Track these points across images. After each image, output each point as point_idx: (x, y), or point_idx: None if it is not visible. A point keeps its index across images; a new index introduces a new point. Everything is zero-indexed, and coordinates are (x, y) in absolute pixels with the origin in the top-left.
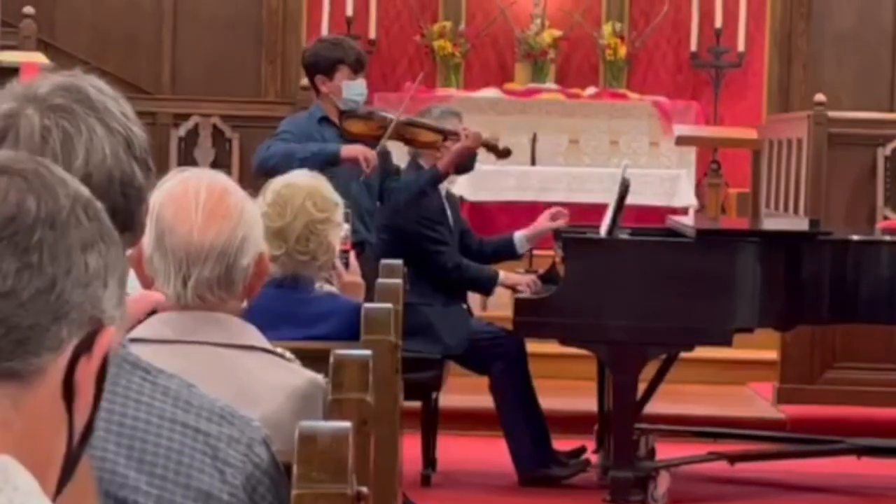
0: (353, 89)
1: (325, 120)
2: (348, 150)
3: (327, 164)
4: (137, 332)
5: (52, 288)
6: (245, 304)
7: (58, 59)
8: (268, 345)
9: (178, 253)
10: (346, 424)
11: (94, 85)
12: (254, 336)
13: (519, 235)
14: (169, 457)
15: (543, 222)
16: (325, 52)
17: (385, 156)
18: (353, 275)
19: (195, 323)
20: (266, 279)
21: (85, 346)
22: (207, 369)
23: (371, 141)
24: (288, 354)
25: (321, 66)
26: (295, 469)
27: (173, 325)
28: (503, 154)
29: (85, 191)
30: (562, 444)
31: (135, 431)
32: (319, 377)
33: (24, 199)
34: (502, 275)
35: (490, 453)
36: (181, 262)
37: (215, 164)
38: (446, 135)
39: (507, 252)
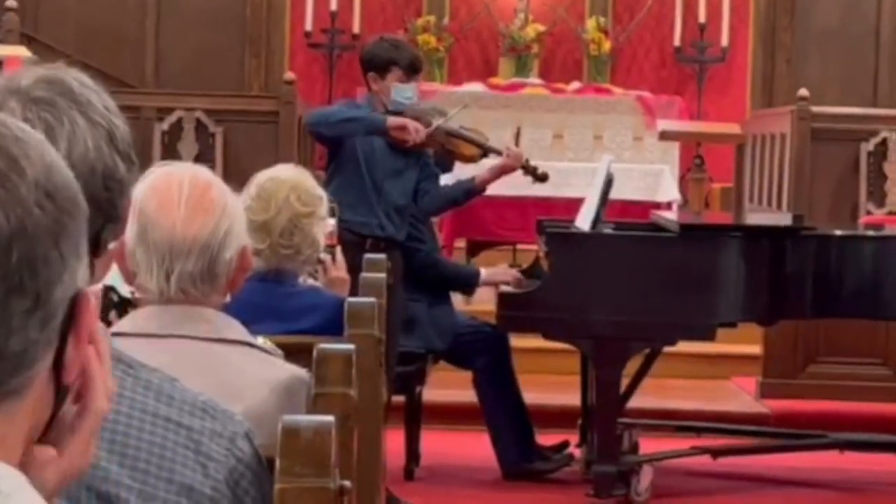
0: (402, 92)
1: None
2: (394, 120)
3: (371, 133)
4: (120, 326)
5: (37, 303)
6: (228, 298)
7: (41, 53)
8: (251, 339)
9: (161, 247)
10: (329, 418)
11: (77, 78)
12: (237, 330)
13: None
14: (151, 451)
15: (500, 275)
16: (381, 51)
17: (426, 158)
18: (340, 269)
19: (178, 317)
20: (249, 273)
21: (68, 323)
22: (191, 363)
23: (414, 145)
24: (269, 344)
25: (375, 64)
26: (278, 463)
27: (156, 319)
28: (541, 178)
29: (37, 160)
30: (545, 438)
31: (116, 426)
32: (303, 371)
33: None
34: (484, 273)
35: (474, 448)
36: (164, 255)
37: (199, 158)
38: (487, 151)
39: (463, 284)
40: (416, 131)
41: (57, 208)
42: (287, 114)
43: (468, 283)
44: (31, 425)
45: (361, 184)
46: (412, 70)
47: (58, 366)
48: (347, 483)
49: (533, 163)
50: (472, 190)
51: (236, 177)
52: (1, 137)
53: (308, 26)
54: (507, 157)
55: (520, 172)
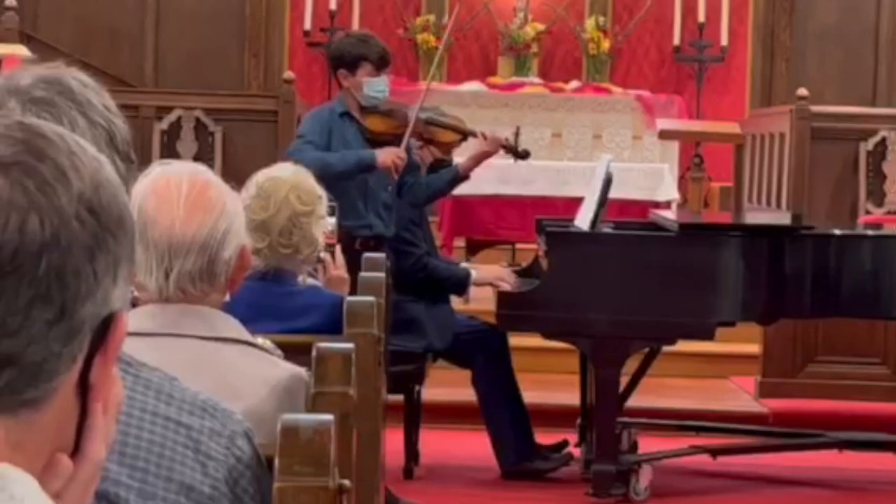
0: (374, 86)
1: (346, 115)
2: (383, 157)
3: (363, 172)
4: None
5: (62, 315)
6: (227, 297)
7: (40, 51)
8: (250, 338)
9: (160, 246)
10: (329, 417)
11: (77, 77)
12: (236, 329)
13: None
14: (151, 450)
15: (492, 276)
16: (350, 47)
17: (407, 152)
18: (340, 269)
19: (177, 316)
20: (248, 272)
21: (98, 343)
22: (190, 362)
23: (391, 139)
24: (269, 344)
25: (345, 60)
26: (277, 462)
27: (155, 318)
28: (522, 156)
29: (86, 175)
30: (545, 437)
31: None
32: (302, 370)
33: (27, 222)
34: (474, 274)
35: (473, 447)
36: (163, 254)
37: (198, 158)
38: (466, 135)
39: (455, 286)
40: (396, 167)
41: (99, 225)
42: (286, 113)
43: (460, 286)
44: (54, 444)
45: (345, 186)
46: (382, 63)
47: (84, 386)
48: (346, 482)
49: (512, 141)
50: (455, 178)
51: (235, 176)
52: (55, 148)
53: (307, 25)
54: (485, 141)
55: (501, 153)
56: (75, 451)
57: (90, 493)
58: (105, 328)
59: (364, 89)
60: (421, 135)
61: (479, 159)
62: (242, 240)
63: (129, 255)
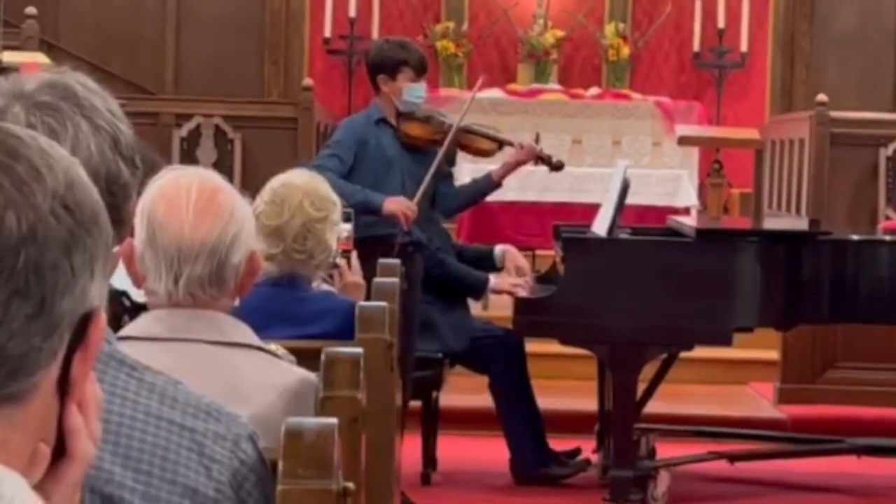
0: (413, 92)
1: (382, 122)
2: (389, 205)
3: (369, 214)
4: (128, 330)
5: (41, 309)
6: (237, 302)
7: (60, 59)
8: (260, 343)
9: (170, 250)
10: (332, 420)
11: (81, 82)
12: (245, 334)
13: (499, 249)
14: (155, 453)
15: (510, 284)
16: (391, 52)
17: (447, 162)
18: (355, 275)
19: (186, 321)
20: (258, 277)
21: (78, 340)
22: (198, 367)
23: (427, 144)
24: (281, 350)
25: (385, 65)
26: (280, 464)
27: (164, 322)
28: (556, 167)
29: (60, 173)
30: (562, 443)
31: (120, 428)
32: (312, 375)
33: (4, 218)
34: (493, 281)
35: (491, 453)
36: (172, 259)
37: (217, 165)
38: (502, 144)
39: (487, 263)
40: (406, 217)
41: (74, 221)
42: (305, 120)
43: (476, 287)
44: (36, 443)
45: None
46: (422, 69)
47: (64, 383)
48: (350, 485)
49: (547, 152)
50: (488, 186)
51: (255, 183)
52: (27, 147)
53: (327, 32)
54: (521, 150)
55: (532, 164)
56: (61, 453)
57: (78, 492)
58: (84, 325)
59: (403, 95)
60: (460, 142)
61: (512, 167)
62: (252, 245)
63: (104, 252)
